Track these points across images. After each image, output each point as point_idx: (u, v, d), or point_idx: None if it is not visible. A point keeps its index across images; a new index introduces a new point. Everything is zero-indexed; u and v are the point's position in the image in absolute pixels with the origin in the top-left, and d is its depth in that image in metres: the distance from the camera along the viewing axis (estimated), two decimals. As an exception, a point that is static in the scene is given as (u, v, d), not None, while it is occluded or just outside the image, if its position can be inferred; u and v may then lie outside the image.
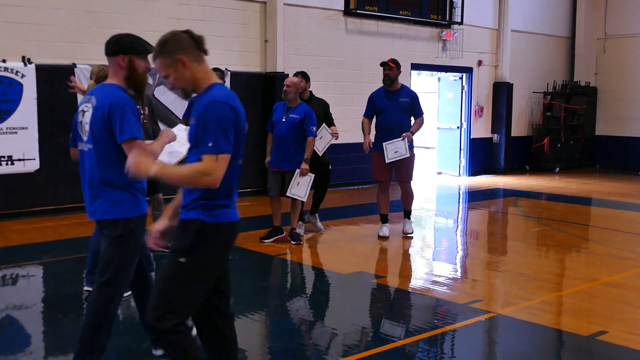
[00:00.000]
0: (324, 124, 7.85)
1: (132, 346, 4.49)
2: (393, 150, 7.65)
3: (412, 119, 7.89)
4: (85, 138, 3.58)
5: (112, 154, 3.48)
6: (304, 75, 7.83)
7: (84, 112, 3.59)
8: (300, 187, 7.32)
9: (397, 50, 12.79)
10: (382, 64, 7.82)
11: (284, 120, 7.32)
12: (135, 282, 3.89)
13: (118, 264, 3.56)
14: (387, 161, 7.67)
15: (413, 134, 7.75)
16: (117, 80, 3.59)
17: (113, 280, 3.56)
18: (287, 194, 7.34)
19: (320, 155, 7.80)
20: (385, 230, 8.01)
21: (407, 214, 8.20)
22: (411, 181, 8.04)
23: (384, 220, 8.06)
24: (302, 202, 7.57)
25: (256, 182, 10.81)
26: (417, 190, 12.32)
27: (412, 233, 8.11)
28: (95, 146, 3.50)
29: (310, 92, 7.98)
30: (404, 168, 7.86)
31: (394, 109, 7.75)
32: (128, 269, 3.61)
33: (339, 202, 10.45)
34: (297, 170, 7.27)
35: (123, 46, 3.57)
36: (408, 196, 8.03)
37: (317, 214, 8.19)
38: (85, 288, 5.41)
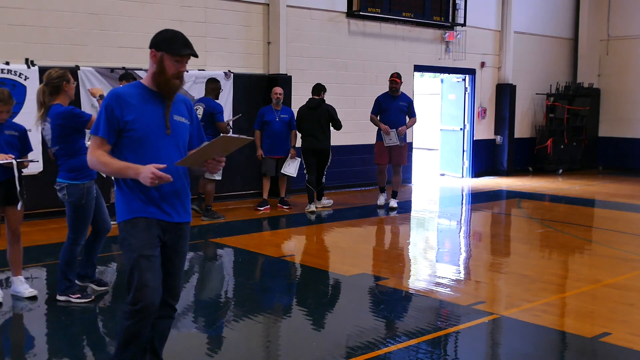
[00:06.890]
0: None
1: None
2: (388, 138, 9.89)
3: (407, 118, 10.03)
4: None
5: None
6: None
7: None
8: (290, 167, 9.61)
9: (400, 52, 12.80)
10: (392, 80, 9.89)
11: (277, 120, 9.47)
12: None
13: None
14: (385, 145, 9.90)
15: (407, 127, 9.97)
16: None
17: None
18: (282, 171, 9.57)
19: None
20: (381, 199, 10.18)
21: (395, 194, 10.10)
22: (403, 165, 10.13)
23: (382, 191, 10.26)
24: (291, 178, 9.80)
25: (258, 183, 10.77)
26: (420, 192, 12.45)
27: (396, 208, 9.96)
28: None
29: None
30: (396, 154, 9.87)
31: (395, 110, 9.89)
32: None
33: (342, 204, 10.44)
34: (289, 155, 9.57)
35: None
36: (398, 176, 10.07)
37: (322, 197, 9.97)
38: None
